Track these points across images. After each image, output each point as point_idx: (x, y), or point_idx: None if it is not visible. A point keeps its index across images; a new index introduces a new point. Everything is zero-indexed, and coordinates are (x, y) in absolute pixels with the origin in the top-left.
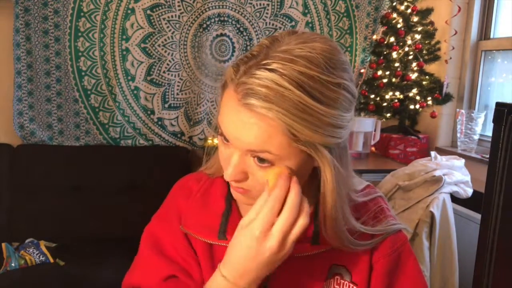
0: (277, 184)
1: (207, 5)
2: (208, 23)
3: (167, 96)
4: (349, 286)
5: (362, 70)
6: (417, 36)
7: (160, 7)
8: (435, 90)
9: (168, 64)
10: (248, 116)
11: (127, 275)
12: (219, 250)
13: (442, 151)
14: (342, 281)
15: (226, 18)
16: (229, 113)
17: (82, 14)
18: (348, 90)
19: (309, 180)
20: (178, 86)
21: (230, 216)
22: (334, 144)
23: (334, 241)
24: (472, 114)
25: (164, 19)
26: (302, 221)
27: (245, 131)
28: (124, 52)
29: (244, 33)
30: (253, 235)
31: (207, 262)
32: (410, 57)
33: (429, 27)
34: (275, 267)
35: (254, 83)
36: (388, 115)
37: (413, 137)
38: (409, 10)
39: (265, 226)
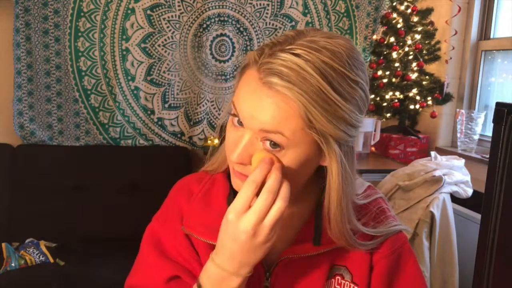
0: (258, 166)
1: (207, 5)
2: (208, 23)
3: (167, 96)
4: (350, 286)
5: None
6: (417, 36)
7: (160, 7)
8: (435, 90)
9: (168, 64)
10: (267, 94)
11: (129, 277)
12: None
13: (442, 151)
14: (343, 281)
15: (226, 18)
16: (248, 91)
17: (82, 14)
18: (364, 90)
19: (312, 181)
20: (178, 86)
21: None
22: (344, 141)
23: (338, 238)
24: (472, 114)
25: (164, 19)
26: (279, 204)
27: (262, 109)
28: (124, 52)
29: (244, 33)
30: (227, 218)
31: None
32: (410, 57)
33: (429, 27)
34: (262, 253)
35: (277, 63)
36: (388, 115)
37: (413, 137)
38: (409, 10)
39: (238, 208)
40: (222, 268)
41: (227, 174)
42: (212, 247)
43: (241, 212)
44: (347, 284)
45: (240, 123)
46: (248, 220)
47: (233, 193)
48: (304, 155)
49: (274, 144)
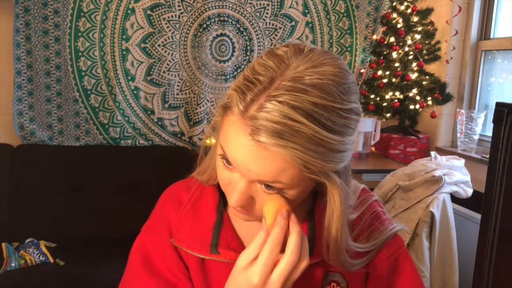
0: (277, 223)
1: (207, 5)
2: (208, 23)
3: (167, 96)
4: None
5: (362, 70)
6: (417, 36)
7: (160, 7)
8: (435, 90)
9: (168, 64)
10: (261, 153)
11: None
12: (211, 264)
13: (442, 151)
14: (338, 287)
15: (226, 18)
16: (237, 143)
17: (82, 14)
18: (357, 112)
19: None
20: (178, 86)
21: (222, 228)
22: (342, 168)
23: (335, 262)
24: (472, 114)
25: (164, 19)
26: (304, 264)
27: (258, 165)
28: (124, 52)
29: (244, 33)
30: (251, 284)
31: (199, 277)
32: (410, 57)
33: (429, 27)
34: None
35: (265, 118)
36: (388, 115)
37: (413, 137)
38: (409, 10)
39: (264, 272)
40: None
41: (217, 184)
42: (201, 260)
43: (266, 276)
44: None
45: (231, 164)
46: (275, 285)
47: (223, 202)
48: (303, 190)
49: (273, 187)
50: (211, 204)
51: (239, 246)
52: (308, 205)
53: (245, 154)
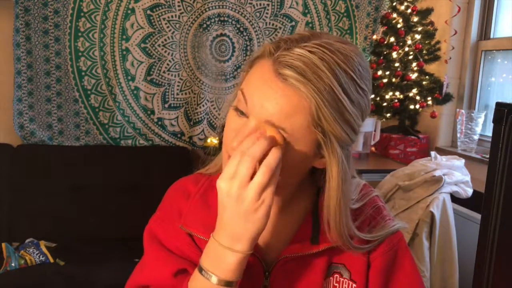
0: (258, 141)
1: (207, 5)
2: (208, 23)
3: (167, 96)
4: (348, 284)
5: None
6: (417, 36)
7: (160, 7)
8: (435, 90)
9: (168, 64)
10: (280, 86)
11: (133, 275)
12: None
13: (442, 151)
14: (341, 279)
15: (226, 18)
16: (260, 80)
17: (82, 14)
18: (368, 99)
19: (307, 182)
20: (178, 86)
21: None
22: (345, 144)
23: (336, 238)
24: (472, 114)
25: (164, 19)
26: (262, 169)
27: (273, 100)
28: (124, 52)
29: (244, 33)
30: (218, 186)
31: None
32: (410, 57)
33: (429, 27)
34: (253, 226)
35: (294, 57)
36: (388, 115)
37: (413, 137)
38: (409, 10)
39: (226, 175)
40: (217, 242)
41: None
42: None
43: (230, 178)
44: (345, 281)
45: (243, 113)
46: (231, 185)
47: None
48: (301, 152)
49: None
50: None
51: None
52: (312, 200)
53: (264, 88)
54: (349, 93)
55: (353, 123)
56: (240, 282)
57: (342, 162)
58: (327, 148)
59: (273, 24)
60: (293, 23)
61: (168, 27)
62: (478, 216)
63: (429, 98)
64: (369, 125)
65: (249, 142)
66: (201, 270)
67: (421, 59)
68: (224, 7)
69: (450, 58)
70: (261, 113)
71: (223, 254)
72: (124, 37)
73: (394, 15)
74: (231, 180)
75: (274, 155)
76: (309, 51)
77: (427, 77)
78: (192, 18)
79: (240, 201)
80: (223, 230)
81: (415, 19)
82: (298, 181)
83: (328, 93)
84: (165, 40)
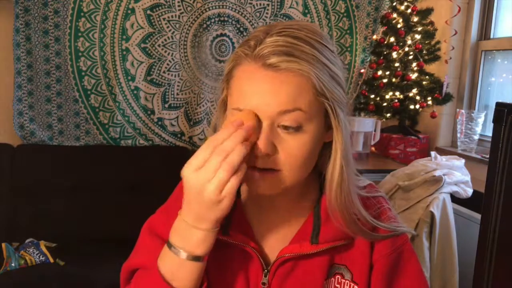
0: (223, 128)
1: (207, 5)
2: (208, 23)
3: (167, 96)
4: (350, 285)
5: (362, 70)
6: (417, 36)
7: (160, 7)
8: (435, 90)
9: (168, 64)
10: (275, 76)
11: (128, 260)
12: (222, 245)
13: (442, 151)
14: (343, 280)
15: (226, 18)
16: (252, 83)
17: (82, 14)
18: (339, 59)
19: (310, 181)
20: (178, 86)
21: (234, 212)
22: (343, 107)
23: (338, 216)
24: (472, 114)
25: (164, 19)
26: (225, 166)
27: (276, 91)
28: (124, 52)
29: (244, 33)
30: (183, 172)
31: (210, 255)
32: (410, 57)
33: (429, 27)
34: (217, 212)
35: (271, 45)
36: (388, 115)
37: (413, 137)
38: (409, 10)
39: (193, 165)
40: (183, 219)
41: None
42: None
43: (195, 169)
44: (347, 283)
45: None
46: (197, 178)
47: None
48: (318, 129)
49: (290, 127)
50: None
51: (249, 230)
52: (314, 196)
53: (261, 88)
54: (329, 58)
55: (342, 83)
56: (213, 265)
57: (346, 127)
58: (333, 114)
59: None
60: None
61: (168, 27)
62: (478, 216)
63: (429, 98)
64: (369, 125)
65: (224, 135)
66: (170, 246)
67: (421, 59)
68: (224, 7)
69: (450, 58)
70: (270, 109)
71: (190, 231)
72: (124, 37)
73: (394, 15)
74: (196, 172)
75: (238, 152)
76: (281, 35)
77: (427, 77)
78: (192, 18)
79: (202, 195)
80: (189, 210)
81: (415, 19)
82: (311, 168)
83: (317, 63)
84: (165, 40)
